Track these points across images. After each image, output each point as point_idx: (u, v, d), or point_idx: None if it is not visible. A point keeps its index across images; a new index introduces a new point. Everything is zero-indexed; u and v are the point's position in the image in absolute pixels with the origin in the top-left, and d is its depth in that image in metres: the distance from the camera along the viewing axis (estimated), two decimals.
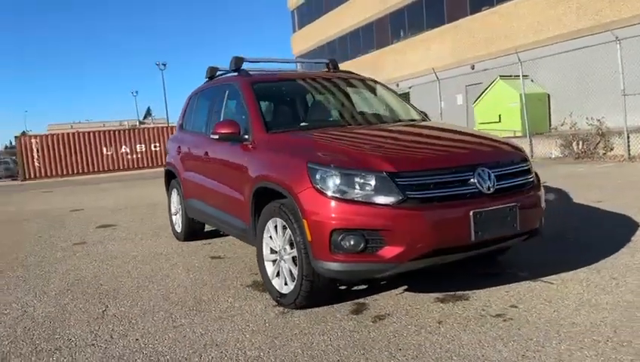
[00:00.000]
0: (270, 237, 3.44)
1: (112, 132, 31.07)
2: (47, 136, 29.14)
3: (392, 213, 2.83)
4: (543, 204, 3.47)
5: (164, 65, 50.94)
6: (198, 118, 5.18)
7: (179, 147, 5.49)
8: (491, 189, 3.03)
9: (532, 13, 18.21)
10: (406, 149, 3.45)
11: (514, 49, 14.64)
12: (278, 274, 3.41)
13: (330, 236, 2.88)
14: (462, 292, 3.45)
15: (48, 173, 28.48)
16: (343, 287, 3.63)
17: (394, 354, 2.60)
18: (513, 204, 3.07)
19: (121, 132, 30.98)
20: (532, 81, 17.05)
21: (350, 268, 2.92)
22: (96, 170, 29.61)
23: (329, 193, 2.93)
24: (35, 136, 29.03)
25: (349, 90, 4.75)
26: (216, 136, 3.91)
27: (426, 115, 4.59)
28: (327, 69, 5.24)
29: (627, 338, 2.60)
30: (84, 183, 19.26)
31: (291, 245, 3.21)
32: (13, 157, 29.95)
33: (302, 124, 4.09)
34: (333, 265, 2.92)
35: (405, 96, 26.00)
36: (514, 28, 18.91)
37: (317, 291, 3.17)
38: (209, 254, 5.04)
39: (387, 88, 4.92)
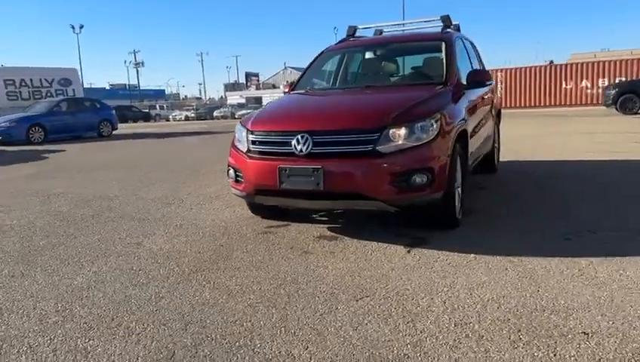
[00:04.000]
0: None
1: (575, 65, 30.30)
2: (510, 69, 31.41)
3: (242, 158, 4.06)
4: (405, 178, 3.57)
5: None
6: None
7: None
8: (304, 152, 3.67)
9: None
10: (283, 112, 4.25)
11: None
12: None
13: (227, 167, 4.39)
14: (339, 235, 4.10)
15: (510, 104, 31.12)
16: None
17: (250, 245, 4.05)
18: (318, 166, 3.58)
19: (584, 65, 29.79)
20: None
21: (234, 191, 4.34)
22: (555, 103, 30.12)
23: (234, 140, 4.38)
24: (501, 70, 31.83)
25: (414, 54, 5.14)
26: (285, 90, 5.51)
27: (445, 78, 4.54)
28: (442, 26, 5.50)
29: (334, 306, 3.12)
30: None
31: None
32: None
33: (310, 87, 5.12)
34: (231, 189, 4.42)
35: None
36: None
37: (253, 205, 4.66)
38: None
39: (449, 49, 4.87)
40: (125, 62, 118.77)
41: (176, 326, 2.59)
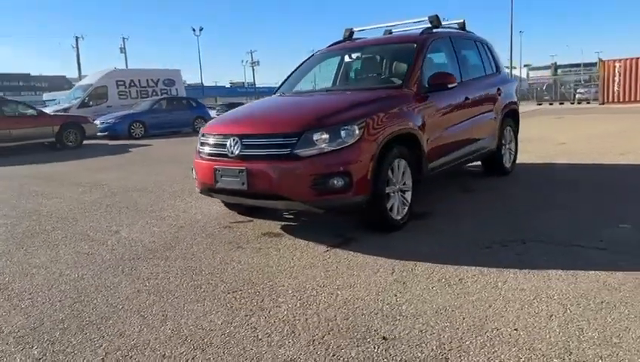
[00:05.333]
0: None
1: None
2: (631, 60, 28.43)
3: (195, 158, 4.48)
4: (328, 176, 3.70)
5: None
6: None
7: None
8: (234, 153, 3.97)
9: None
10: (232, 115, 4.52)
11: None
12: None
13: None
14: (283, 233, 4.35)
15: (627, 98, 28.35)
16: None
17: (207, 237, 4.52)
18: (243, 167, 3.87)
19: None
20: None
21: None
22: None
23: None
24: (619, 60, 28.91)
25: (387, 57, 5.17)
26: None
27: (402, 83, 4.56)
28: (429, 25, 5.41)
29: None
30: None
31: None
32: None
33: (287, 91, 5.33)
34: None
35: None
36: None
37: (224, 202, 5.05)
38: None
39: (416, 52, 4.82)
40: (242, 61, 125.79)
41: (66, 303, 3.06)
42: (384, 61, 5.30)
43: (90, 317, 2.85)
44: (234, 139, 3.99)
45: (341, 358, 2.26)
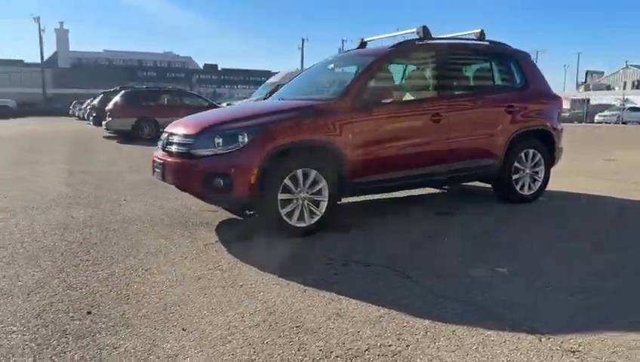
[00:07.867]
0: None
1: None
2: None
3: None
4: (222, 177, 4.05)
5: None
6: None
7: None
8: (163, 149, 4.59)
9: None
10: (188, 117, 4.96)
11: None
12: None
13: None
14: (212, 224, 4.81)
15: None
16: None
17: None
18: (162, 161, 4.47)
19: None
20: None
21: None
22: None
23: None
24: None
25: (350, 69, 5.15)
26: None
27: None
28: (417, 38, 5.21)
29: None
30: None
31: None
32: None
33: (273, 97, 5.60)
34: None
35: None
36: None
37: None
38: None
39: (369, 65, 4.69)
40: None
41: None
42: (347, 73, 5.30)
43: None
44: (167, 137, 4.62)
45: (45, 322, 2.71)
